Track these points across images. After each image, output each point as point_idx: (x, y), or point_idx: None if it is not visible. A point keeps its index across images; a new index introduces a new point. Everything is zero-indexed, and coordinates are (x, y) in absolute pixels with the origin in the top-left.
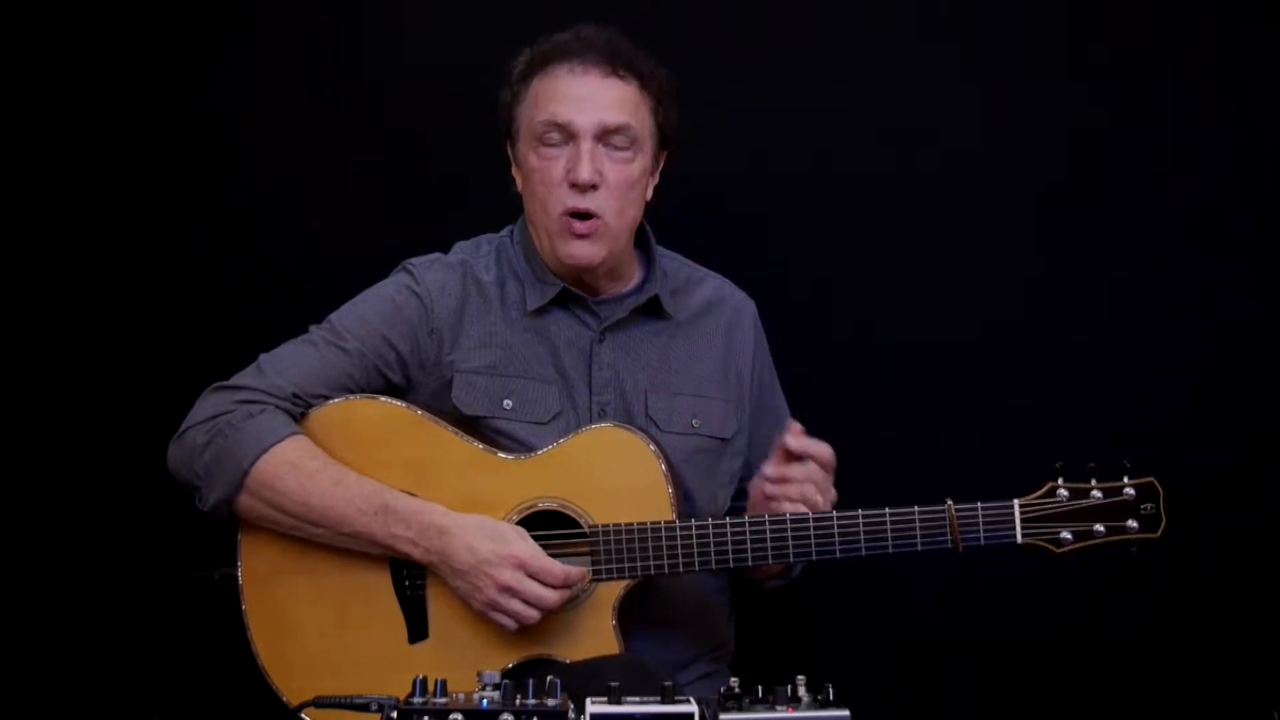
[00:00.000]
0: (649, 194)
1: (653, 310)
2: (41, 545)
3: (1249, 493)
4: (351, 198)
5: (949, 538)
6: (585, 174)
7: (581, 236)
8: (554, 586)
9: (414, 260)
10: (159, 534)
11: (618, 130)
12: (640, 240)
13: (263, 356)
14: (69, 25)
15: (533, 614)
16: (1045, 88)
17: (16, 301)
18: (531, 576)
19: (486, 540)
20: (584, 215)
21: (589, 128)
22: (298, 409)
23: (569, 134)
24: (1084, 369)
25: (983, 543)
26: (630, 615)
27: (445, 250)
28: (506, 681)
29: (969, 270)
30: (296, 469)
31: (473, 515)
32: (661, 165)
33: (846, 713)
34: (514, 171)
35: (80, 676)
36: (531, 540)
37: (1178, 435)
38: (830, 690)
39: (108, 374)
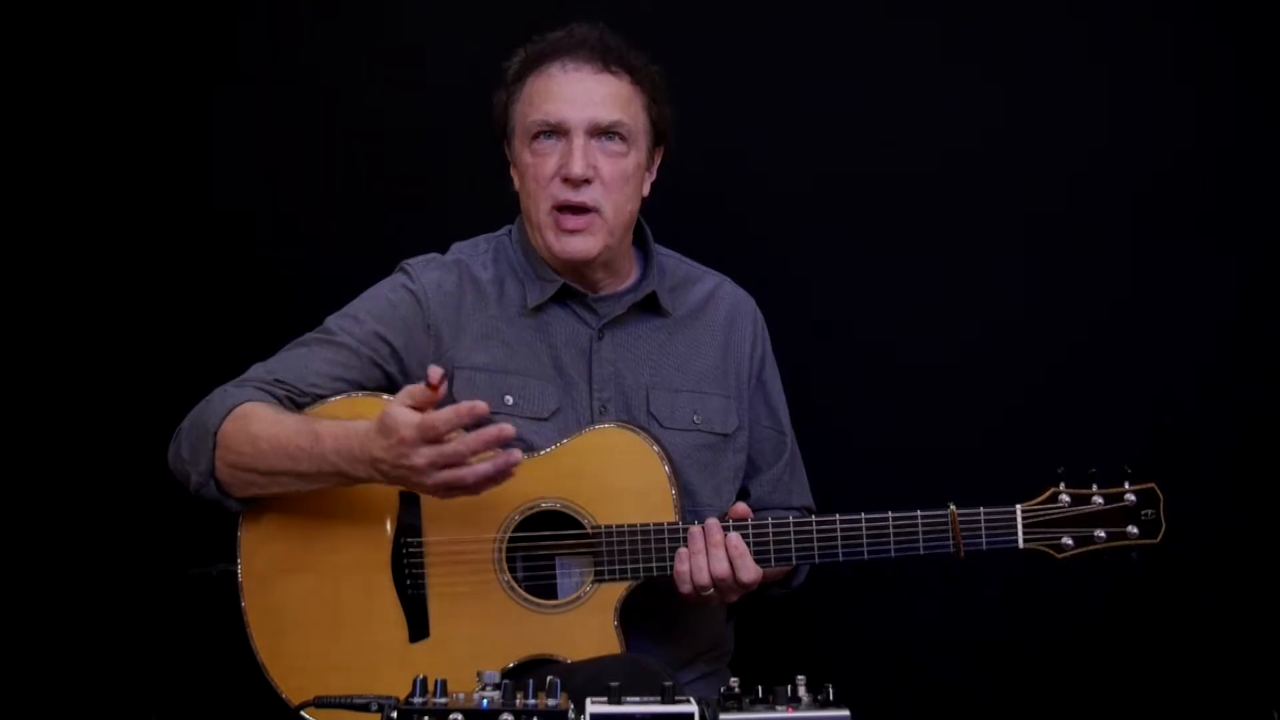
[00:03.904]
0: (646, 190)
1: (651, 307)
2: (40, 543)
3: (1249, 493)
4: (351, 198)
5: (951, 542)
6: (578, 168)
7: (573, 231)
8: (453, 436)
9: (410, 260)
10: (158, 530)
11: (610, 126)
12: (638, 238)
13: (257, 364)
14: (69, 26)
15: (466, 474)
16: (1045, 88)
17: (16, 301)
18: (431, 442)
19: (379, 438)
20: (577, 209)
21: (581, 124)
22: (283, 391)
23: (561, 131)
24: (1086, 371)
25: (984, 547)
26: (631, 615)
27: (443, 251)
28: (506, 681)
29: (970, 271)
30: (248, 418)
31: (364, 421)
32: (658, 162)
33: (846, 713)
34: (512, 171)
35: (78, 673)
36: (406, 394)
37: (1178, 437)
38: (830, 690)
39: (108, 374)
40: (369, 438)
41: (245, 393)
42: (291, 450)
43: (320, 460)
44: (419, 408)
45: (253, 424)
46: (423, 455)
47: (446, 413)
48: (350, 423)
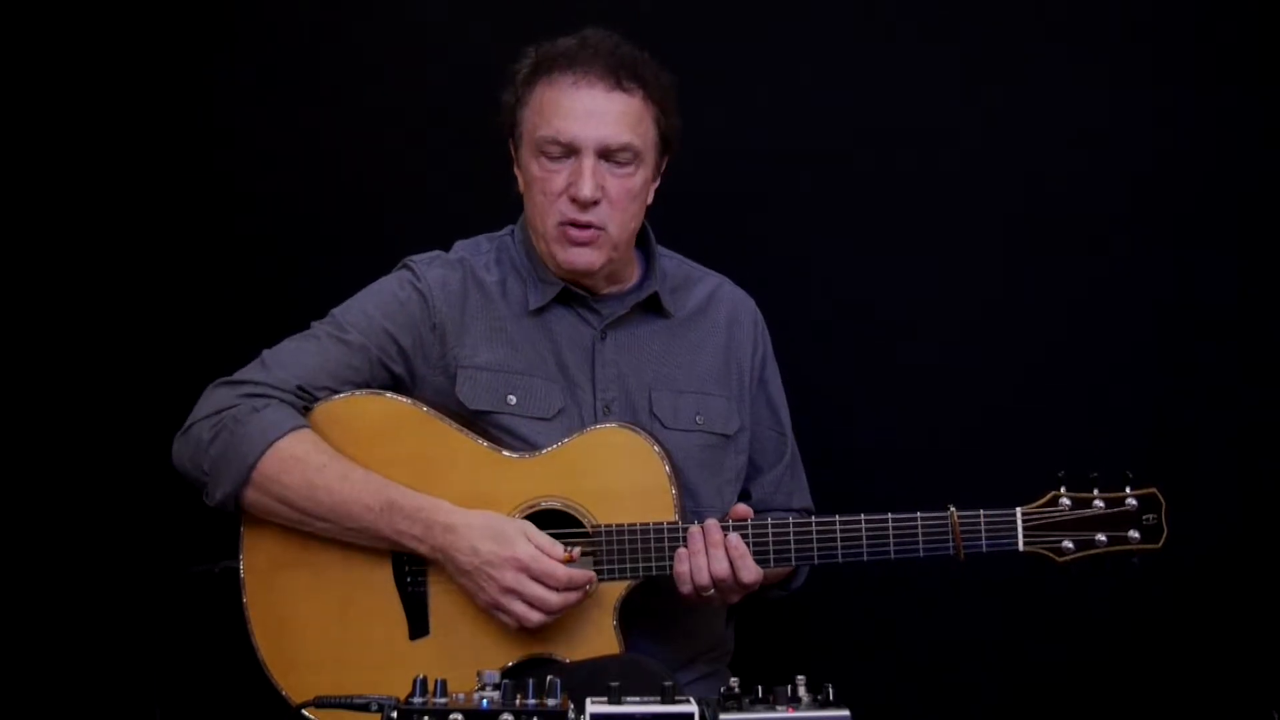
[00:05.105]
0: (650, 198)
1: (653, 308)
2: (43, 540)
3: (1249, 493)
4: (351, 198)
5: (951, 544)
6: (587, 191)
7: (579, 244)
8: (557, 589)
9: (414, 257)
10: (160, 527)
11: (620, 149)
12: (640, 239)
13: (266, 352)
14: (70, 25)
15: (534, 616)
16: (1045, 88)
17: (17, 301)
18: (535, 579)
19: (490, 541)
20: (583, 226)
21: (591, 145)
22: (302, 402)
23: (571, 150)
24: (1086, 372)
25: (984, 550)
26: (631, 615)
27: (446, 249)
28: (507, 681)
29: (970, 271)
30: (303, 464)
31: (479, 512)
32: (664, 168)
33: (846, 713)
34: (516, 169)
35: (81, 670)
36: (542, 536)
37: (1179, 437)
38: (830, 690)
39: (108, 371)
40: (468, 530)
41: (282, 417)
42: (356, 510)
43: (384, 525)
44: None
45: (311, 472)
46: (517, 580)
47: (578, 575)
48: (435, 501)
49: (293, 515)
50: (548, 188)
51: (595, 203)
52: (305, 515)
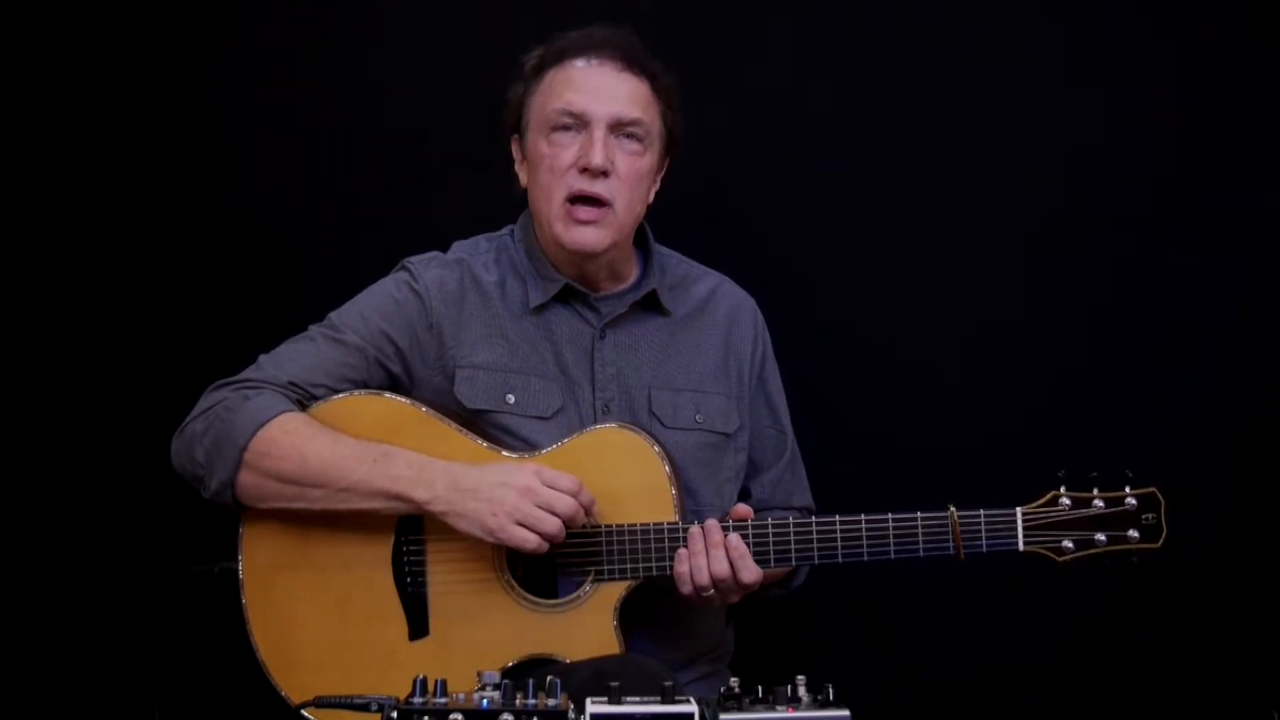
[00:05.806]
0: (651, 196)
1: (652, 306)
2: (42, 540)
3: (1249, 493)
4: (351, 198)
5: (951, 544)
6: (598, 159)
7: (585, 222)
8: (566, 493)
9: (412, 258)
10: (160, 527)
11: (631, 123)
12: (639, 238)
13: (262, 355)
14: (69, 24)
15: (551, 521)
16: (1045, 88)
17: (16, 301)
18: (546, 484)
19: (494, 465)
20: (591, 200)
21: (603, 117)
22: (296, 396)
23: (583, 122)
24: (1086, 372)
25: (985, 550)
26: (631, 615)
27: (444, 249)
28: (506, 681)
29: (970, 271)
30: (293, 436)
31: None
32: (665, 170)
33: (846, 713)
34: (518, 168)
35: (80, 670)
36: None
37: (1178, 437)
38: (830, 690)
39: (108, 371)
40: (466, 466)
41: (273, 402)
42: (348, 466)
43: (379, 476)
44: None
45: (301, 441)
46: (531, 481)
47: (586, 492)
48: (431, 457)
49: (286, 491)
50: (556, 164)
51: (605, 174)
52: (299, 485)
